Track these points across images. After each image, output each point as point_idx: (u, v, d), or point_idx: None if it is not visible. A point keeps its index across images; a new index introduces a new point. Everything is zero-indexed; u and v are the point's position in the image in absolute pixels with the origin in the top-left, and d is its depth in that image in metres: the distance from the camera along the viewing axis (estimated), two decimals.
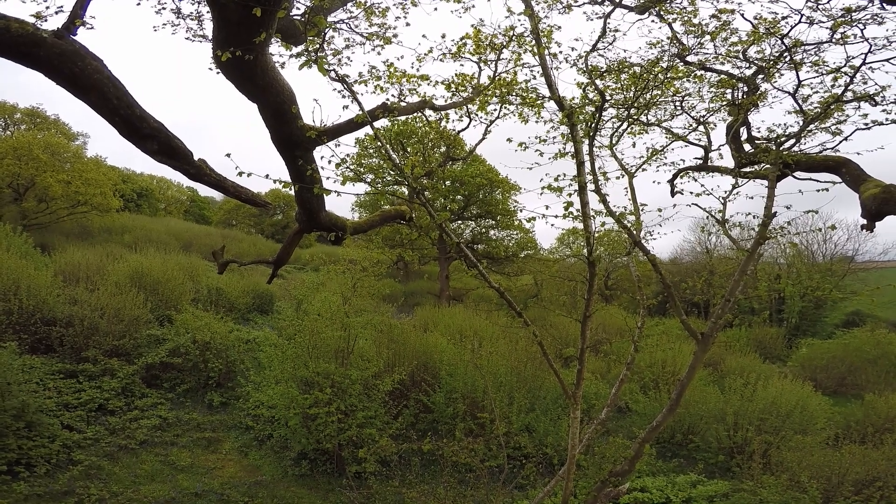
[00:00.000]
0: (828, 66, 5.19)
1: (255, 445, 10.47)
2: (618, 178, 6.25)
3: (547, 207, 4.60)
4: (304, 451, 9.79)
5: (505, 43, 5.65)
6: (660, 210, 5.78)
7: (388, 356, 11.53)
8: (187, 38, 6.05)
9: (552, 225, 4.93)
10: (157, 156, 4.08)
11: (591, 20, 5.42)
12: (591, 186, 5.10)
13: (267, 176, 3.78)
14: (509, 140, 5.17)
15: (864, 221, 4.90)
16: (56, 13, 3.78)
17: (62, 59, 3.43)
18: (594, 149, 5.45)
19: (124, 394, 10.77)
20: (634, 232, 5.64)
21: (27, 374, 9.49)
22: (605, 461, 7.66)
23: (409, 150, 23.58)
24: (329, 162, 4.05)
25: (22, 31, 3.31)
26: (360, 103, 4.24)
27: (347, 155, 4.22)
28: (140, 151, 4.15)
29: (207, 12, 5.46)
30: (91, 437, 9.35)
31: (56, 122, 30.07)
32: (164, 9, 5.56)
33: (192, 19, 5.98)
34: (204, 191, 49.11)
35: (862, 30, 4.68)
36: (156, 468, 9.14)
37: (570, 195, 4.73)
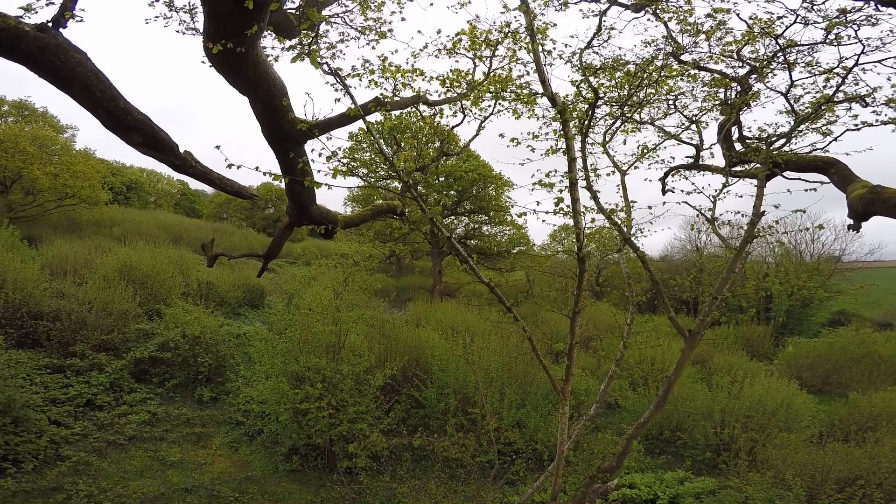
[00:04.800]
0: (821, 66, 5.24)
1: (246, 441, 10.43)
2: (608, 174, 6.28)
3: (538, 203, 4.61)
4: (294, 446, 9.77)
5: (500, 39, 5.64)
6: (650, 207, 5.82)
7: (379, 351, 11.52)
8: (178, 32, 5.98)
9: (543, 221, 4.94)
10: (141, 148, 4.05)
11: (587, 17, 5.43)
12: (582, 183, 5.12)
13: (257, 168, 3.75)
14: (501, 136, 5.17)
15: (851, 221, 4.98)
16: (46, 5, 3.74)
17: (43, 52, 3.42)
18: (587, 146, 5.47)
19: (113, 389, 10.67)
20: (625, 229, 5.67)
21: (13, 369, 9.35)
22: (593, 457, 7.73)
23: (402, 144, 23.52)
24: (320, 155, 4.03)
25: (3, 24, 3.27)
26: (352, 97, 4.22)
27: (339, 148, 4.19)
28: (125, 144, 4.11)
29: (200, 4, 5.39)
30: (79, 432, 9.26)
31: (44, 115, 29.65)
32: (156, 0, 5.48)
33: (184, 12, 5.91)
34: (194, 184, 48.68)
35: (856, 30, 4.73)
36: (145, 464, 9.08)
37: (560, 191, 4.74)
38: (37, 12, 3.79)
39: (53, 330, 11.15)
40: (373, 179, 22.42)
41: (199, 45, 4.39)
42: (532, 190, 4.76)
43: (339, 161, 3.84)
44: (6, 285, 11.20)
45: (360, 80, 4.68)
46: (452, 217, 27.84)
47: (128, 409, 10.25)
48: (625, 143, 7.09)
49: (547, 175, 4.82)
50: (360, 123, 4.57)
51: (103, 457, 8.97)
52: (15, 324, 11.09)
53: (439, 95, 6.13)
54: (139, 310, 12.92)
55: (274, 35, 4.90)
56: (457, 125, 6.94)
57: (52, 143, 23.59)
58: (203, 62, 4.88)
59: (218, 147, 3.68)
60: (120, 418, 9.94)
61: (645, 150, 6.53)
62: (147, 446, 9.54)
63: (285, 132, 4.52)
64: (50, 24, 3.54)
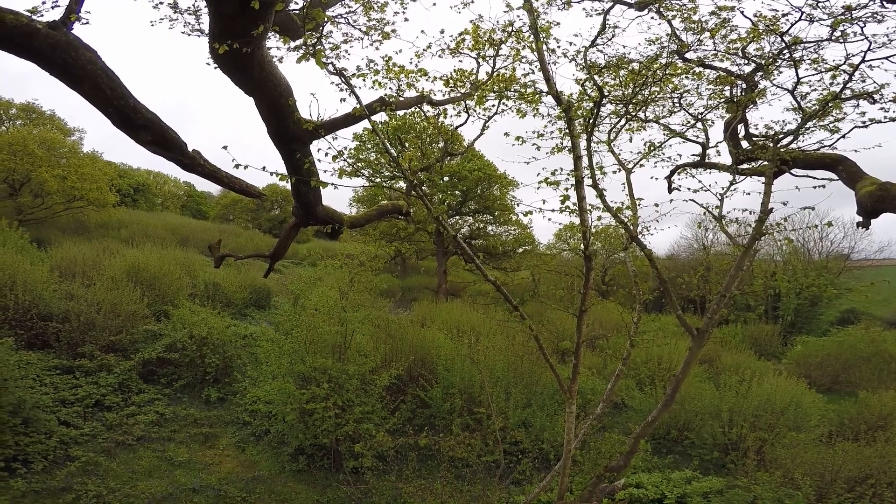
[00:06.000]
0: (827, 63, 5.19)
1: (253, 441, 10.48)
2: (615, 172, 6.26)
3: (544, 202, 4.61)
4: (301, 446, 9.80)
5: (503, 38, 5.65)
6: (657, 205, 5.80)
7: (385, 351, 11.53)
8: (184, 33, 6.03)
9: (549, 219, 4.94)
10: (150, 146, 4.08)
11: (591, 16, 5.41)
12: (588, 181, 5.11)
13: (264, 168, 3.78)
14: (506, 134, 5.17)
15: (860, 219, 4.93)
16: (52, 7, 3.77)
17: (55, 49, 3.45)
18: (592, 144, 5.45)
19: (121, 389, 10.75)
20: (631, 227, 5.65)
21: (24, 370, 9.42)
22: (600, 456, 7.70)
23: (407, 145, 23.53)
24: (326, 154, 4.04)
25: (16, 22, 3.32)
26: (357, 96, 4.23)
27: (345, 148, 4.22)
28: (135, 143, 4.14)
29: (206, 6, 5.43)
30: (88, 433, 9.33)
31: (52, 118, 29.89)
32: (161, 3, 5.53)
33: (189, 14, 5.95)
34: (201, 185, 49.02)
35: (862, 27, 4.68)
36: (153, 464, 9.13)
37: (566, 189, 4.74)
38: (42, 15, 3.83)
39: (63, 331, 11.25)
40: (378, 180, 22.50)
41: (199, 47, 4.42)
42: (538, 188, 4.76)
43: (344, 160, 3.85)
44: (16, 287, 11.30)
45: (365, 80, 4.69)
46: (457, 217, 27.84)
47: (136, 409, 10.32)
48: (630, 141, 7.06)
49: (552, 173, 4.82)
50: (365, 124, 4.59)
51: (112, 457, 9.04)
52: (25, 325, 11.20)
53: (443, 95, 6.14)
54: (147, 311, 13.01)
55: (279, 36, 4.92)
56: (461, 125, 6.95)
57: (59, 146, 23.81)
58: (208, 63, 4.92)
59: (225, 147, 3.71)
60: (128, 419, 10.01)
61: (651, 147, 6.50)
62: (155, 447, 9.60)
63: (291, 132, 4.54)
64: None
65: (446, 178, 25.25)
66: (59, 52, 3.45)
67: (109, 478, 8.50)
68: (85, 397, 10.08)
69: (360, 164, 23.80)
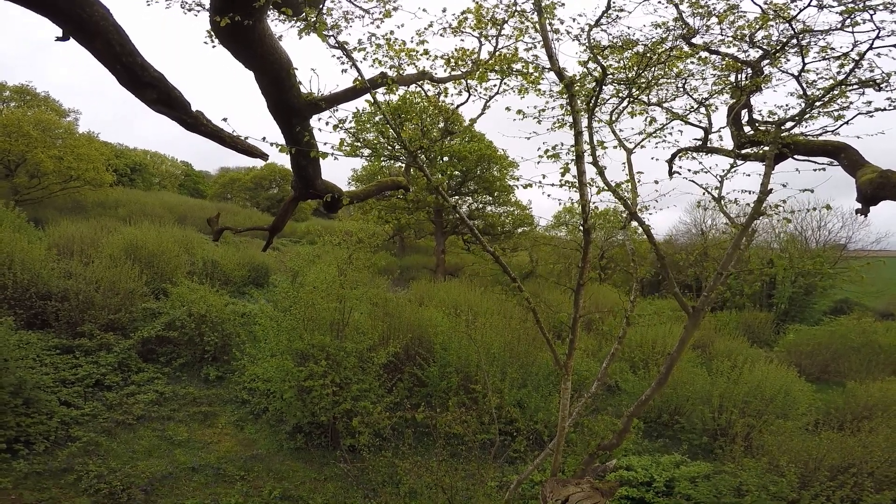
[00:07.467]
0: (835, 51, 5.14)
1: (251, 419, 10.59)
2: (615, 147, 6.23)
3: (544, 177, 4.63)
4: (299, 424, 9.91)
5: (507, 17, 5.57)
6: (656, 182, 5.79)
7: (382, 329, 11.57)
8: (183, 10, 5.92)
9: (549, 195, 4.95)
10: (155, 105, 4.11)
11: None
12: (588, 159, 5.10)
13: (264, 139, 3.77)
14: (508, 109, 5.15)
15: (860, 206, 4.94)
16: None
17: (72, 4, 3.53)
18: (594, 123, 5.43)
19: (121, 369, 10.80)
20: (630, 204, 5.66)
21: (23, 350, 9.40)
22: (593, 436, 7.81)
23: (407, 124, 23.31)
24: (327, 124, 4.03)
25: None
26: (358, 69, 4.20)
27: (344, 118, 4.20)
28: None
29: None
30: (89, 413, 9.37)
31: (46, 99, 29.58)
32: None
33: None
34: (198, 165, 48.72)
35: (872, 15, 4.63)
36: (153, 443, 9.21)
37: (566, 164, 4.76)
38: None
39: (62, 310, 11.24)
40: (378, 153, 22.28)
41: (194, 33, 4.36)
42: (538, 163, 4.77)
43: (345, 130, 3.84)
44: (14, 265, 11.25)
45: (366, 57, 4.64)
46: (456, 197, 27.78)
47: (136, 388, 10.38)
48: (632, 118, 6.98)
49: (553, 147, 4.82)
50: (365, 102, 4.55)
51: (112, 437, 9.11)
52: (24, 304, 11.18)
53: (445, 73, 6.07)
54: (145, 289, 13.02)
55: (279, 12, 4.85)
56: (462, 104, 6.87)
57: (55, 127, 23.60)
58: (206, 42, 4.87)
59: (225, 119, 3.69)
60: (128, 398, 10.06)
61: (652, 123, 6.45)
62: (155, 426, 9.67)
63: (291, 105, 4.52)
64: None
65: (446, 159, 25.13)
66: (76, 7, 3.54)
67: (110, 457, 8.56)
68: (85, 377, 10.11)
69: (358, 143, 23.58)
